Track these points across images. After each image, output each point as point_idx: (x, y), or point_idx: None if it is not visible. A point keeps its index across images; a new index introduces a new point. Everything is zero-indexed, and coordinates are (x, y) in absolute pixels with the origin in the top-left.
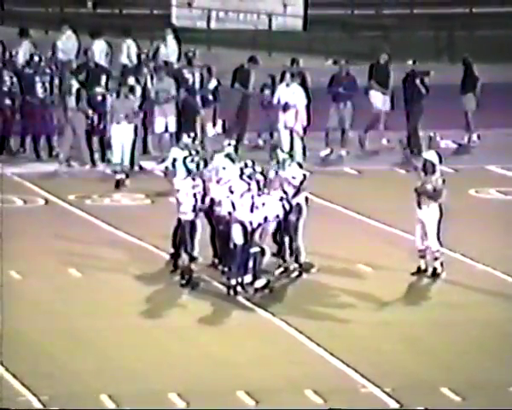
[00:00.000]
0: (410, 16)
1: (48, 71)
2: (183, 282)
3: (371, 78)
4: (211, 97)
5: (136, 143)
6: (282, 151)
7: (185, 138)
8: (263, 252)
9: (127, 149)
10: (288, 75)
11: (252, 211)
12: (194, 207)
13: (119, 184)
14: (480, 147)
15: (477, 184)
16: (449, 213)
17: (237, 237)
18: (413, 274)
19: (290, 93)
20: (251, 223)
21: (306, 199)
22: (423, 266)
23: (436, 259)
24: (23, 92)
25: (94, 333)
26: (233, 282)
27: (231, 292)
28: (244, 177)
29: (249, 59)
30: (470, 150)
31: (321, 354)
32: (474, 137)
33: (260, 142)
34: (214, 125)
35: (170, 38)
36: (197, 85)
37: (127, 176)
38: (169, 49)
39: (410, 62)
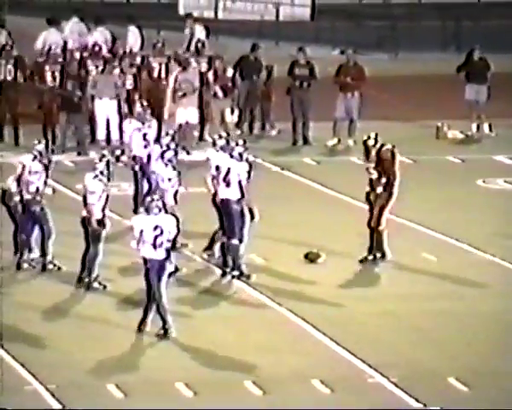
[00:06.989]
0: (418, 6)
1: (60, 60)
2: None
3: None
4: (230, 85)
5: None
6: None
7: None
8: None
9: (113, 125)
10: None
11: None
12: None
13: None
14: (487, 137)
15: (485, 175)
16: (456, 203)
17: None
18: None
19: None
20: None
21: None
22: None
23: None
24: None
25: (101, 321)
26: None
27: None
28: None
29: (252, 48)
30: (478, 140)
31: (328, 344)
32: (486, 127)
33: (273, 132)
34: (232, 112)
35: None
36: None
37: (122, 152)
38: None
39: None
